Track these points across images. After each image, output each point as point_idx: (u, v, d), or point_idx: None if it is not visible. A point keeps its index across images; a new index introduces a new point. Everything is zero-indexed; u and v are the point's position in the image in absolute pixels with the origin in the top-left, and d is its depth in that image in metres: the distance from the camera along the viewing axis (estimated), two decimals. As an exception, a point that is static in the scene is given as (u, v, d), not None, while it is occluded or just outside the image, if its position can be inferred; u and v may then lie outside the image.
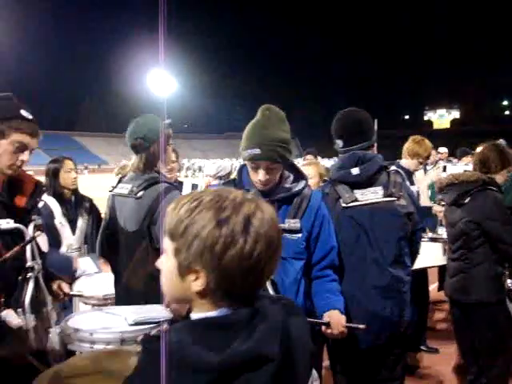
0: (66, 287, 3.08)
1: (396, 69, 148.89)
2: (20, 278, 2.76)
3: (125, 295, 3.50)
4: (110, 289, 3.80)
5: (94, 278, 4.34)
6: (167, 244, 1.35)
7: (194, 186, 6.30)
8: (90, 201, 5.24)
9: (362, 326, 2.80)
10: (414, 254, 3.44)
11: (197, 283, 1.30)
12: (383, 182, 3.23)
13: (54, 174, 4.88)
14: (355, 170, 3.20)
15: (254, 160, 2.81)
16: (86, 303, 4.09)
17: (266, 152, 2.76)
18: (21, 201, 2.89)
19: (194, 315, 1.35)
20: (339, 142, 3.36)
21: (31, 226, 2.88)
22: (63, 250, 4.81)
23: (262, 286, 1.36)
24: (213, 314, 1.31)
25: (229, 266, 1.25)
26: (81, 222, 5.00)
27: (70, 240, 4.89)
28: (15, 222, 2.78)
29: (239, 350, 1.19)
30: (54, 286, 3.04)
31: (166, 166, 3.80)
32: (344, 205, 3.19)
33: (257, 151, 2.76)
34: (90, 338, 2.58)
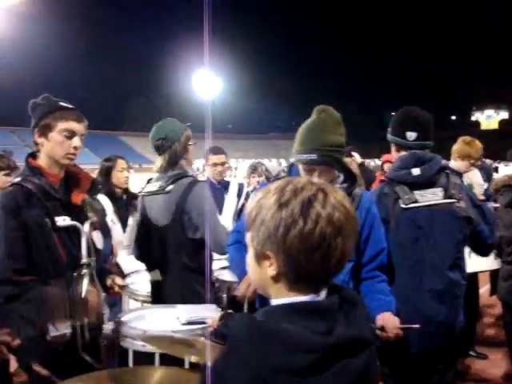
0: (120, 281, 3.11)
1: (443, 69, 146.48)
2: (75, 274, 2.80)
3: (160, 290, 3.63)
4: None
5: (143, 275, 4.38)
6: (247, 235, 1.42)
7: (241, 186, 6.32)
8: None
9: (416, 326, 2.74)
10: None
11: (270, 268, 1.35)
12: (443, 183, 3.16)
13: (106, 173, 4.97)
14: (416, 171, 3.14)
15: (310, 165, 2.77)
16: (135, 300, 4.14)
17: (322, 157, 2.72)
18: (77, 198, 2.93)
19: (275, 301, 1.38)
20: (411, 135, 3.27)
21: (87, 224, 2.93)
22: (114, 247, 4.88)
23: (335, 270, 1.35)
24: (300, 299, 1.33)
25: (292, 247, 1.29)
26: (131, 220, 5.07)
27: (120, 238, 4.96)
28: (71, 219, 2.83)
29: (344, 333, 1.26)
30: (108, 281, 3.07)
31: (190, 164, 3.89)
32: (403, 206, 3.12)
33: (313, 156, 2.72)
34: (142, 336, 2.59)
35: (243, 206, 5.99)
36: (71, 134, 2.83)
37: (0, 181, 4.57)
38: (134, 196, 5.26)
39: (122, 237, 4.99)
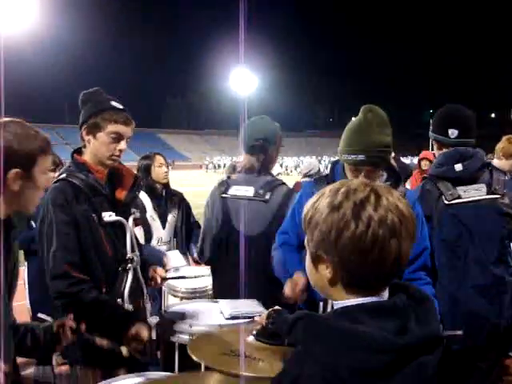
0: (161, 272, 3.12)
1: (482, 66, 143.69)
2: (120, 269, 2.85)
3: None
4: (197, 282, 3.86)
5: (183, 271, 4.42)
6: (305, 239, 1.44)
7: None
8: (180, 195, 5.35)
9: (459, 333, 2.73)
10: None
11: (327, 271, 1.35)
12: (486, 179, 3.14)
13: (145, 170, 5.03)
14: (458, 167, 3.11)
15: (358, 165, 2.77)
16: (174, 296, 4.18)
17: (370, 158, 2.71)
18: (121, 194, 2.97)
19: (339, 303, 1.38)
20: (453, 132, 3.25)
21: (131, 219, 2.98)
22: (153, 243, 4.93)
23: (392, 272, 1.35)
24: (368, 299, 1.34)
25: (345, 250, 1.29)
26: (171, 217, 5.11)
27: (160, 233, 5.01)
28: (116, 215, 2.87)
29: (419, 332, 1.26)
30: (150, 272, 3.09)
31: (273, 167, 3.78)
32: (446, 202, 3.10)
33: (361, 157, 2.71)
34: (189, 330, 2.64)
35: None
36: (118, 137, 2.86)
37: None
38: (174, 192, 5.33)
39: (162, 233, 5.04)
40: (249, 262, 3.34)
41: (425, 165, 8.66)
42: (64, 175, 2.85)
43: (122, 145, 2.89)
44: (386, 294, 1.36)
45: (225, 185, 3.64)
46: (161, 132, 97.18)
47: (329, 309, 2.82)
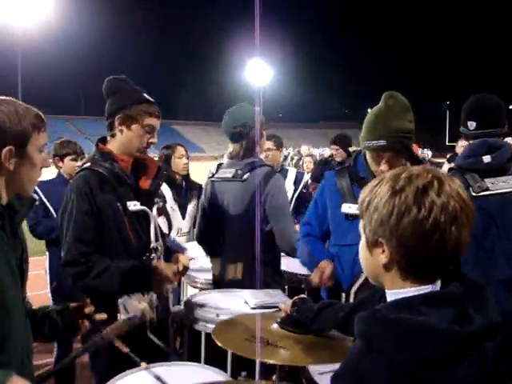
0: (184, 259, 3.07)
1: (502, 55, 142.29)
2: (144, 258, 2.85)
3: (225, 279, 3.55)
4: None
5: (201, 261, 4.42)
6: (360, 224, 1.43)
7: (299, 174, 6.31)
8: (200, 187, 5.35)
9: None
10: None
11: (382, 256, 1.35)
12: None
13: (166, 160, 5.04)
14: (487, 158, 3.05)
15: (379, 151, 2.76)
16: (193, 287, 4.19)
17: (391, 144, 2.70)
18: (145, 183, 2.98)
19: (391, 292, 1.38)
20: (471, 124, 3.22)
21: (154, 209, 2.98)
22: (173, 233, 4.95)
23: (449, 259, 1.35)
24: (422, 289, 1.33)
25: (405, 235, 1.29)
26: (190, 207, 5.13)
27: (180, 224, 5.02)
28: (140, 204, 2.87)
29: (483, 321, 1.26)
30: (173, 260, 3.06)
31: (262, 151, 3.90)
32: (474, 194, 3.05)
33: (382, 143, 2.71)
34: (215, 319, 2.65)
35: (301, 194, 5.99)
36: (151, 130, 2.90)
37: (67, 166, 4.69)
38: (193, 183, 5.34)
39: (182, 223, 5.05)
40: (236, 241, 3.52)
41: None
42: (89, 164, 2.86)
43: (155, 138, 2.93)
44: (439, 282, 1.36)
45: (214, 170, 3.82)
46: (175, 123, 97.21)
47: (351, 300, 2.81)
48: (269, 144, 5.54)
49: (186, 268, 3.10)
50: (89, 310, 2.28)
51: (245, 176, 3.51)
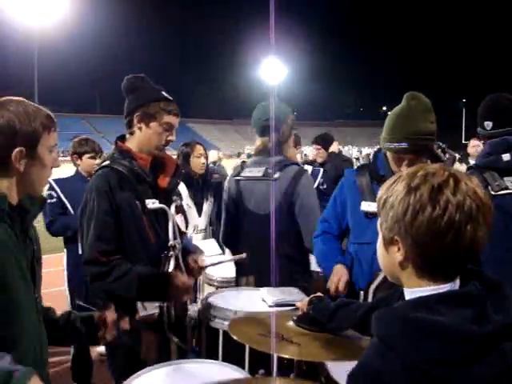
0: (200, 259, 3.13)
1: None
2: (162, 255, 2.86)
3: (254, 277, 3.48)
4: (233, 272, 3.87)
5: (219, 259, 4.42)
6: (378, 221, 1.44)
7: (315, 171, 6.32)
8: (217, 184, 5.37)
9: None
10: None
11: (398, 254, 1.35)
12: None
13: (184, 158, 5.05)
14: (506, 156, 3.02)
15: (400, 154, 2.74)
16: (210, 284, 4.20)
17: (413, 146, 2.68)
18: (163, 181, 2.98)
19: (410, 290, 1.38)
20: (488, 124, 3.20)
21: (173, 207, 2.99)
22: (189, 231, 4.95)
23: (465, 258, 1.34)
24: (441, 287, 1.33)
25: (419, 233, 1.28)
26: (206, 205, 5.14)
27: (196, 222, 5.03)
28: (159, 202, 2.88)
29: (501, 321, 1.25)
30: (190, 261, 3.10)
31: (290, 149, 3.77)
32: (493, 192, 3.02)
33: (403, 145, 2.69)
34: (233, 317, 2.63)
35: (317, 190, 5.98)
36: (170, 128, 2.91)
37: (85, 164, 4.73)
38: (209, 181, 5.34)
39: (198, 221, 5.06)
40: (264, 241, 3.34)
41: None
42: (108, 162, 2.87)
43: (173, 136, 2.94)
44: (458, 281, 1.35)
45: (239, 168, 3.72)
46: (190, 121, 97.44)
47: (369, 298, 2.80)
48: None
49: (201, 268, 3.13)
50: (112, 318, 2.28)
51: (276, 175, 3.45)
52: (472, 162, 9.08)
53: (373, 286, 2.81)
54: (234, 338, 2.19)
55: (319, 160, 7.23)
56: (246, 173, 3.61)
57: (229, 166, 13.27)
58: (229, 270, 3.95)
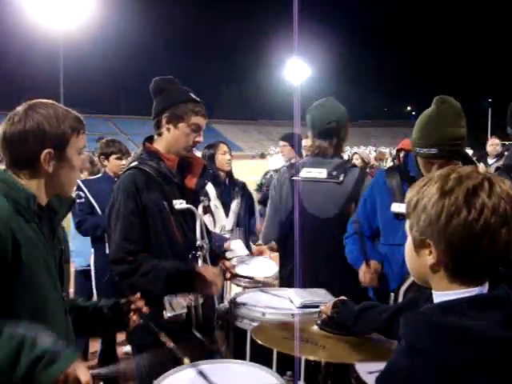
0: (230, 265, 3.13)
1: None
2: (190, 256, 2.87)
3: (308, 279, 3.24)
4: (261, 271, 3.86)
5: (246, 260, 4.41)
6: (406, 223, 1.41)
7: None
8: (243, 184, 5.36)
9: None
10: None
11: (430, 257, 1.33)
12: None
13: (210, 158, 5.06)
14: None
15: (431, 159, 2.71)
16: (237, 285, 4.19)
17: (444, 152, 2.66)
18: (191, 182, 3.00)
19: (439, 293, 1.36)
20: None
21: (200, 207, 2.99)
22: (216, 231, 4.95)
23: (498, 261, 1.32)
24: (469, 291, 1.31)
25: (454, 236, 1.27)
26: (234, 205, 5.13)
27: (223, 222, 5.03)
28: (186, 202, 2.89)
29: None
30: (222, 267, 3.09)
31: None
32: None
33: (433, 151, 2.66)
34: (261, 318, 2.64)
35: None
36: (197, 129, 2.92)
37: (112, 164, 4.77)
38: (236, 181, 5.34)
39: (225, 221, 5.06)
40: (322, 244, 3.36)
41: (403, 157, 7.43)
42: (136, 163, 2.89)
43: (200, 137, 2.96)
44: (486, 285, 1.33)
45: (294, 168, 3.58)
46: (214, 122, 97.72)
47: (400, 300, 2.78)
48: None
49: (232, 274, 3.13)
50: (138, 304, 2.29)
51: (340, 177, 3.38)
52: (490, 161, 8.99)
53: (403, 288, 2.78)
54: (259, 342, 2.19)
55: (285, 158, 7.03)
56: (305, 173, 3.50)
57: (251, 166, 13.26)
58: (255, 271, 3.93)
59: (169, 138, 2.90)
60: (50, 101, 2.02)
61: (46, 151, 1.89)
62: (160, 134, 2.94)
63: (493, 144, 9.23)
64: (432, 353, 1.22)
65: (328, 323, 2.28)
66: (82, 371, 1.67)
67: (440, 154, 2.66)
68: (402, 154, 6.72)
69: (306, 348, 2.11)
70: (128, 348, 5.04)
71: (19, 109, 1.94)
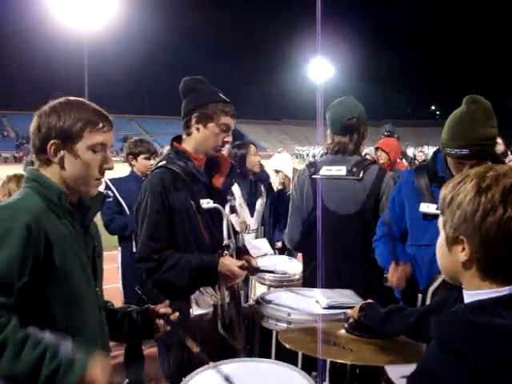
0: (254, 262, 3.13)
1: None
2: (216, 255, 2.88)
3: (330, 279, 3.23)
4: (286, 270, 3.86)
5: (270, 259, 4.43)
6: (439, 220, 1.42)
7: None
8: (268, 184, 5.38)
9: None
10: None
11: (462, 254, 1.33)
12: None
13: (241, 158, 5.07)
14: None
15: (461, 160, 2.69)
16: (262, 284, 4.20)
17: (474, 152, 2.63)
18: (218, 181, 3.02)
19: (470, 292, 1.36)
20: None
21: (227, 207, 3.01)
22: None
23: None
24: (501, 291, 1.30)
25: (489, 234, 1.27)
26: (259, 204, 5.15)
27: (248, 221, 5.04)
28: (213, 202, 2.90)
29: None
30: (244, 262, 3.09)
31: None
32: None
33: (464, 151, 2.64)
34: (287, 318, 2.65)
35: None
36: (227, 129, 2.95)
37: (140, 164, 4.81)
38: (260, 180, 5.36)
39: (250, 220, 5.08)
40: (343, 241, 3.35)
41: (379, 157, 6.59)
42: (164, 162, 2.91)
43: (229, 137, 2.98)
44: None
45: (314, 166, 3.56)
46: (237, 122, 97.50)
47: (428, 301, 2.76)
48: None
49: (256, 269, 3.14)
50: (165, 310, 2.32)
51: (360, 174, 3.37)
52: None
53: (431, 289, 2.76)
54: (286, 346, 2.19)
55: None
56: (324, 171, 3.48)
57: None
58: (280, 270, 3.94)
59: (198, 138, 2.92)
60: (75, 98, 2.04)
61: (51, 141, 1.92)
62: (189, 134, 2.96)
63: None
64: (465, 352, 1.22)
65: (355, 327, 2.28)
66: (100, 376, 1.71)
67: (471, 155, 2.63)
68: (379, 153, 6.62)
69: (334, 351, 2.12)
70: (153, 347, 5.08)
71: (50, 103, 1.99)
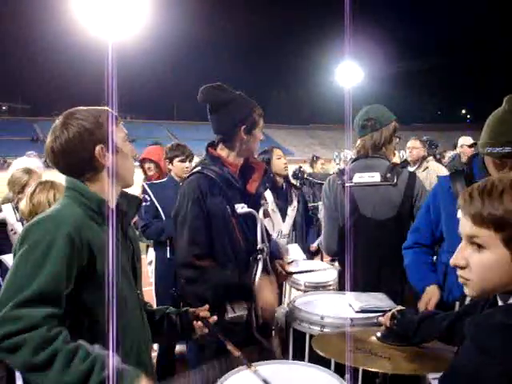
0: (288, 267, 3.18)
1: None
2: (251, 259, 2.93)
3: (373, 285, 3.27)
4: (320, 276, 3.87)
5: (302, 264, 4.43)
6: (487, 235, 1.35)
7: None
8: (299, 189, 5.39)
9: None
10: None
11: None
12: None
13: (266, 164, 5.09)
14: None
15: (505, 158, 2.64)
16: (296, 289, 4.21)
17: None
18: (252, 186, 3.06)
19: (502, 296, 1.37)
20: None
21: (261, 211, 3.05)
22: (274, 236, 4.98)
23: None
24: None
25: None
26: (290, 210, 5.16)
27: (280, 226, 5.05)
28: (247, 206, 2.95)
29: None
30: (277, 266, 3.17)
31: (393, 155, 3.75)
32: None
33: (507, 149, 2.58)
34: (320, 322, 2.67)
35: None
36: (261, 131, 3.04)
37: (176, 167, 4.87)
38: (293, 185, 5.37)
39: (282, 225, 5.09)
40: (381, 247, 3.35)
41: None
42: (199, 168, 2.97)
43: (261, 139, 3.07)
44: None
45: (345, 174, 3.56)
46: (265, 126, 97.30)
47: None
48: None
49: (288, 274, 3.18)
50: (204, 313, 2.37)
51: (395, 179, 3.39)
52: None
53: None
54: (320, 354, 2.21)
55: None
56: (357, 179, 3.48)
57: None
58: (315, 275, 3.95)
59: (243, 147, 2.99)
60: (77, 107, 2.09)
61: (98, 147, 1.98)
62: (232, 145, 3.00)
63: None
64: (498, 352, 1.24)
65: (387, 335, 2.28)
66: None
67: None
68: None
69: (371, 359, 2.12)
70: (183, 347, 5.10)
71: (57, 123, 2.02)
